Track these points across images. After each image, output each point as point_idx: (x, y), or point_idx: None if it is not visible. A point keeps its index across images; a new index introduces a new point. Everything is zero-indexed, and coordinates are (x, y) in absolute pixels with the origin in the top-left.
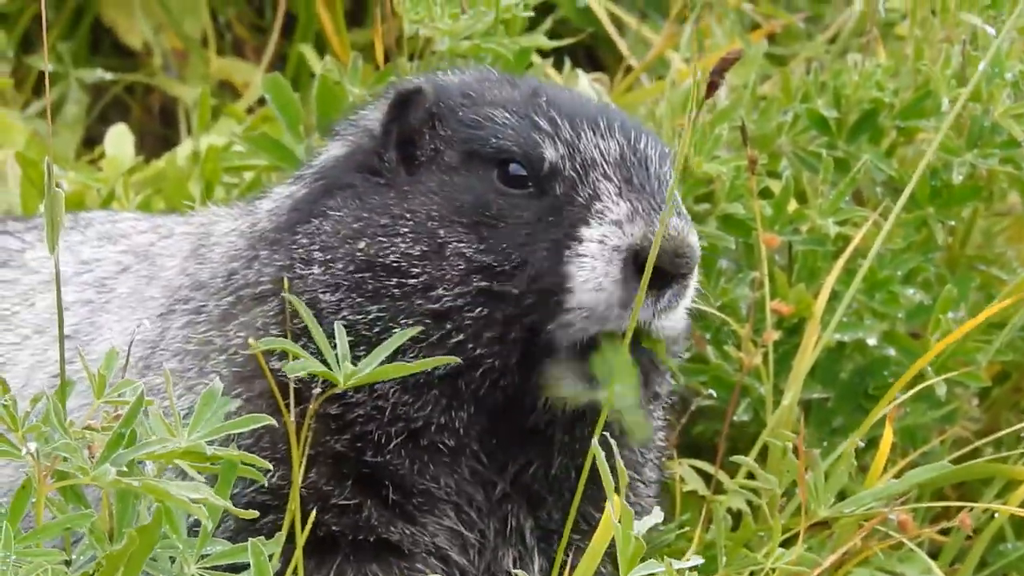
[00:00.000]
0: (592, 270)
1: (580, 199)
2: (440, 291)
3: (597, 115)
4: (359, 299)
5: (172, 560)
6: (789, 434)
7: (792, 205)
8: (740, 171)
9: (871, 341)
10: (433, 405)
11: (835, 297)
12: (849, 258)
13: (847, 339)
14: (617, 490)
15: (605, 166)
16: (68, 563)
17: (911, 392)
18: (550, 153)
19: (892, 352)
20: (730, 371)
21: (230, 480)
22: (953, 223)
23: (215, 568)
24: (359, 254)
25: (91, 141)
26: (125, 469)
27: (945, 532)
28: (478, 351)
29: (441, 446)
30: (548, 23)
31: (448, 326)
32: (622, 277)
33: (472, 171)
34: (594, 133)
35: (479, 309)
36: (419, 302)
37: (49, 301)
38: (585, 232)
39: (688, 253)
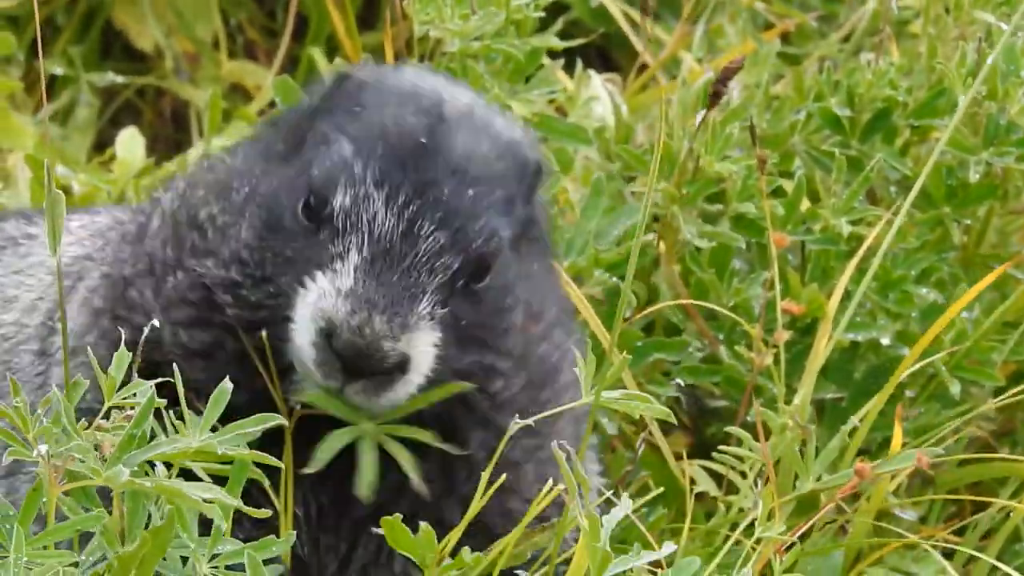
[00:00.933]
0: (300, 320)
1: (329, 251)
2: (210, 262)
3: (406, 182)
4: (176, 252)
5: (183, 560)
6: (785, 407)
7: (805, 204)
8: (752, 171)
9: (885, 341)
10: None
11: (848, 297)
12: (862, 258)
13: (860, 339)
14: None
15: (366, 235)
16: (76, 564)
17: (924, 391)
18: (336, 199)
19: (906, 351)
20: (742, 371)
21: (241, 479)
22: (968, 222)
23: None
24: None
25: (102, 144)
26: (137, 470)
27: (960, 532)
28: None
29: None
30: (560, 24)
31: (216, 298)
32: (318, 343)
33: (297, 181)
34: (386, 200)
35: (228, 297)
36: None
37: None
38: (311, 284)
39: (372, 354)
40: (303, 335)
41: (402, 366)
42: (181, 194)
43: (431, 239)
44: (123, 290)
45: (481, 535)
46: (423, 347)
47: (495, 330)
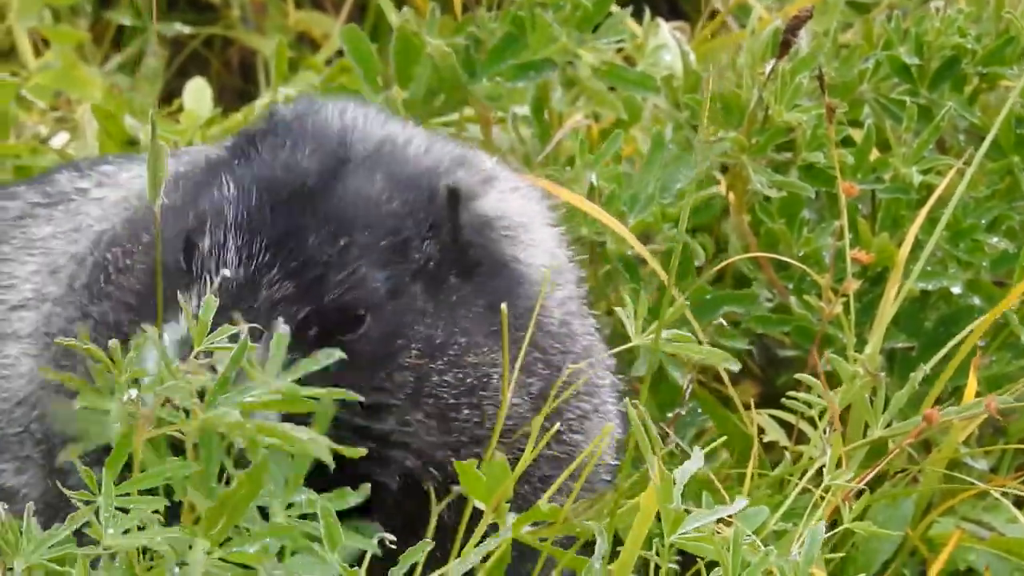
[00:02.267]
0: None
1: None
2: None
3: (266, 229)
4: None
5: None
6: (855, 355)
7: (874, 154)
8: (821, 120)
9: (955, 290)
10: None
11: (918, 246)
12: (932, 206)
13: (931, 288)
14: None
15: (211, 281)
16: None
17: (995, 340)
18: (203, 245)
19: (977, 301)
20: (812, 321)
21: (326, 422)
22: None
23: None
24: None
25: (169, 95)
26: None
27: None
28: None
29: None
30: None
31: None
32: None
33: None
34: (239, 248)
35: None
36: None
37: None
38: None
39: None
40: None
41: None
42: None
43: (275, 287)
44: None
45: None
46: None
47: (373, 377)
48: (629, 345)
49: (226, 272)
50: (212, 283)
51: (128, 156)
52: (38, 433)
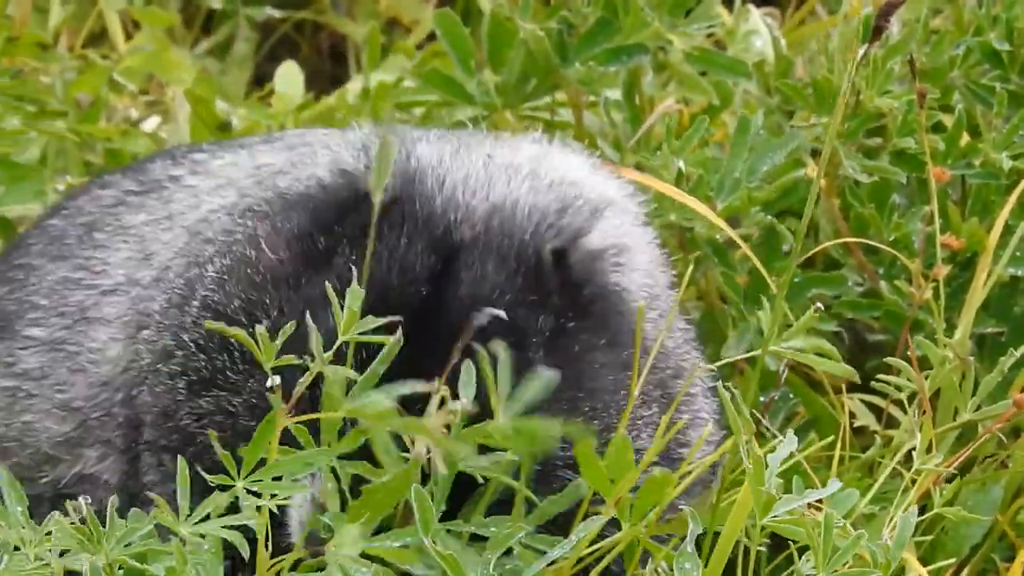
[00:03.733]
0: None
1: None
2: None
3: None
4: None
5: None
6: (945, 340)
7: (965, 139)
8: (912, 105)
9: None
10: None
11: (1008, 231)
12: (1022, 192)
13: (1021, 273)
14: None
15: None
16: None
17: None
18: None
19: None
20: (902, 306)
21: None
22: None
23: None
24: None
25: (261, 79)
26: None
27: None
28: None
29: None
30: None
31: None
32: None
33: None
34: None
35: None
36: None
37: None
38: None
39: None
40: None
41: None
42: None
43: None
44: None
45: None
46: None
47: None
48: (760, 352)
49: None
50: None
51: (220, 144)
52: (120, 417)
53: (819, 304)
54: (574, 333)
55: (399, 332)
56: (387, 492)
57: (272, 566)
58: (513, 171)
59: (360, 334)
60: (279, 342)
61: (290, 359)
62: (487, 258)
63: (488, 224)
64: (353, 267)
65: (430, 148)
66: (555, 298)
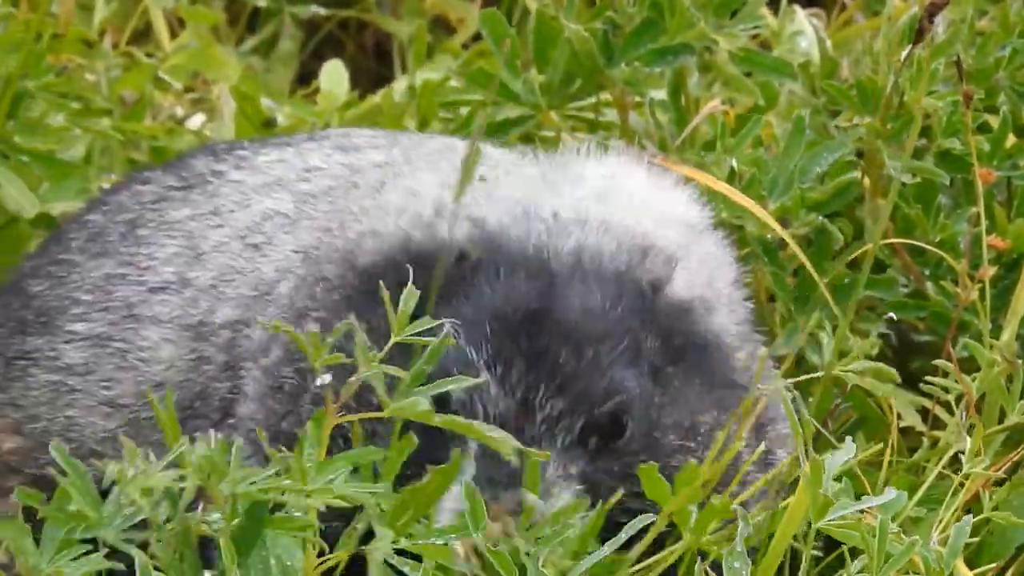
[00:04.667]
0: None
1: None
2: None
3: (518, 356)
4: None
5: None
6: (992, 341)
7: (1011, 140)
8: (957, 106)
9: None
10: None
11: None
12: None
13: None
14: None
15: (482, 419)
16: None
17: None
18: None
19: None
20: (949, 307)
21: None
22: None
23: None
24: None
25: (305, 77)
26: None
27: None
28: None
29: None
30: None
31: None
32: None
33: None
34: (500, 381)
35: None
36: None
37: (267, 204)
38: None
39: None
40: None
41: None
42: None
43: (547, 406)
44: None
45: None
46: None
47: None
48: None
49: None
50: (486, 418)
51: (262, 140)
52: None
53: (876, 331)
54: (672, 377)
55: (447, 327)
56: (428, 491)
57: (319, 564)
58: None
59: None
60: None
61: (337, 358)
62: (588, 281)
63: (580, 257)
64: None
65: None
66: (656, 326)
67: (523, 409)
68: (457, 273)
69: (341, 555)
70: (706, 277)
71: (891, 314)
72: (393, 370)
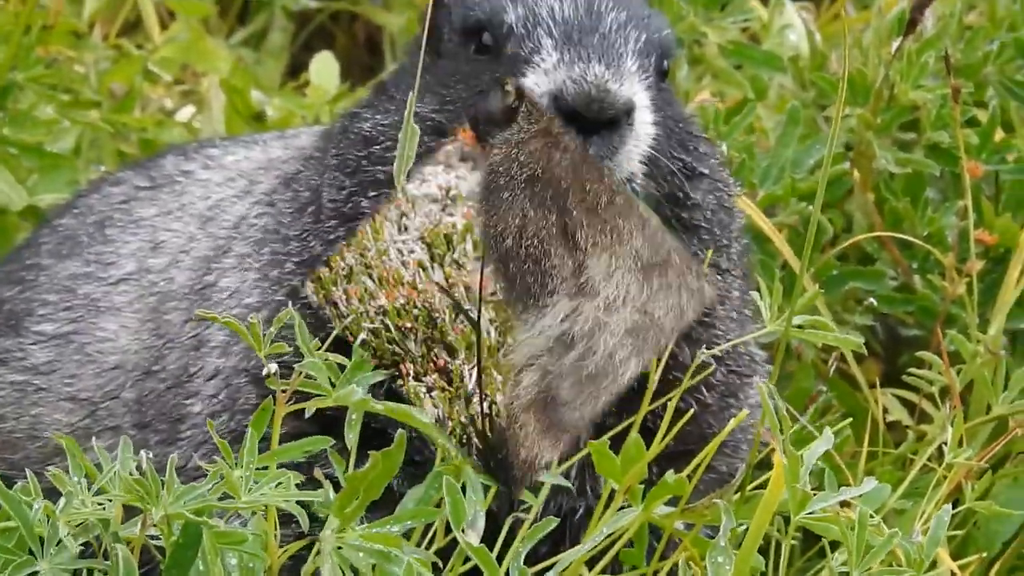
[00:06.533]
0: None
1: (523, 53)
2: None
3: None
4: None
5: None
6: (978, 335)
7: (999, 134)
8: (946, 100)
9: None
10: None
11: None
12: None
13: None
14: None
15: (552, 24)
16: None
17: None
18: (510, 16)
19: None
20: (936, 301)
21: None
22: None
23: None
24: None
25: (296, 69)
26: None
27: None
28: None
29: None
30: None
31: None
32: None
33: (461, 49)
34: None
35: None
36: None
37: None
38: (520, 81)
39: (601, 98)
40: None
41: (628, 112)
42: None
43: (612, 15)
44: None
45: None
46: (641, 95)
47: (690, 134)
48: (764, 331)
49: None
50: (555, 20)
51: (233, 139)
52: (130, 398)
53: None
54: None
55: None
56: (374, 477)
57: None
58: None
59: None
60: (272, 330)
61: (281, 347)
62: None
63: None
64: None
65: None
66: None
67: (591, 12)
68: None
69: (294, 546)
70: None
71: (871, 300)
72: (337, 357)
